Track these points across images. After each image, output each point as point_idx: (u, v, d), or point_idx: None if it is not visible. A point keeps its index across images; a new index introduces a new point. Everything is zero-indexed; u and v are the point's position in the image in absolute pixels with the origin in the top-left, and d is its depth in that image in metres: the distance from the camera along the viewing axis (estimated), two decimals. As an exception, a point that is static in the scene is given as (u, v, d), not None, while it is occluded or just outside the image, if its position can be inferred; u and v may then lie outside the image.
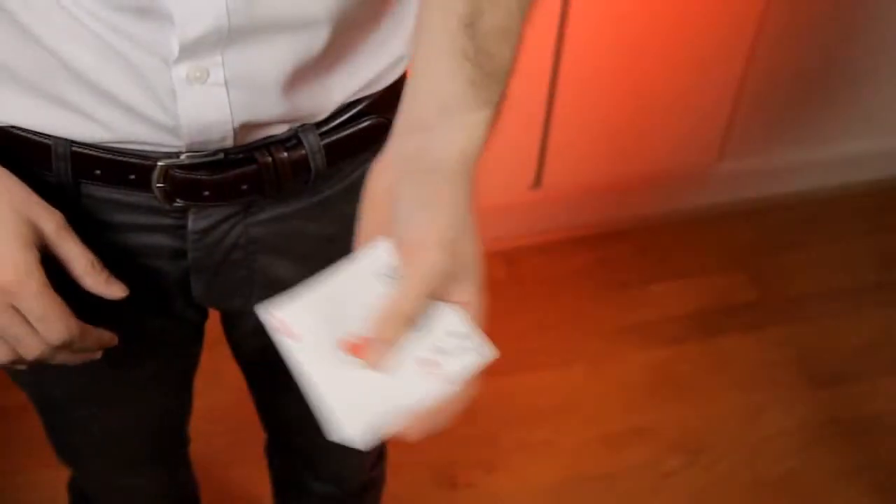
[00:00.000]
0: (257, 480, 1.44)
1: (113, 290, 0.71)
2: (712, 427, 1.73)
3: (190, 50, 0.63)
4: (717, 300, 1.95)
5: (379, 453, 1.20)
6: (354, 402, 0.60)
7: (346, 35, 0.70)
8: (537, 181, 1.95)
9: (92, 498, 1.13)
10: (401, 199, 0.62)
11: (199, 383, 1.03)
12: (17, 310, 0.66)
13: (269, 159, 0.72)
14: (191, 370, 1.00)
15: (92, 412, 0.92)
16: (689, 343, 1.87)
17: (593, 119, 1.89)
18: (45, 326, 0.67)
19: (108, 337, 0.74)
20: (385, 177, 0.63)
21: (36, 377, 0.87)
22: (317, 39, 0.67)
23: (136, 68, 0.64)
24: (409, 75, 0.66)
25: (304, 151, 0.73)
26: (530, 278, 1.98)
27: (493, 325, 0.58)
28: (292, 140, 0.73)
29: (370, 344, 0.61)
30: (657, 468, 1.67)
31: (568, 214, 2.03)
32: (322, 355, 0.61)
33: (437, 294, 0.61)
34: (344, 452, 1.14)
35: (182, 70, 0.64)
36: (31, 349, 0.68)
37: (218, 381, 1.22)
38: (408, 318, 0.60)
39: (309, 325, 0.62)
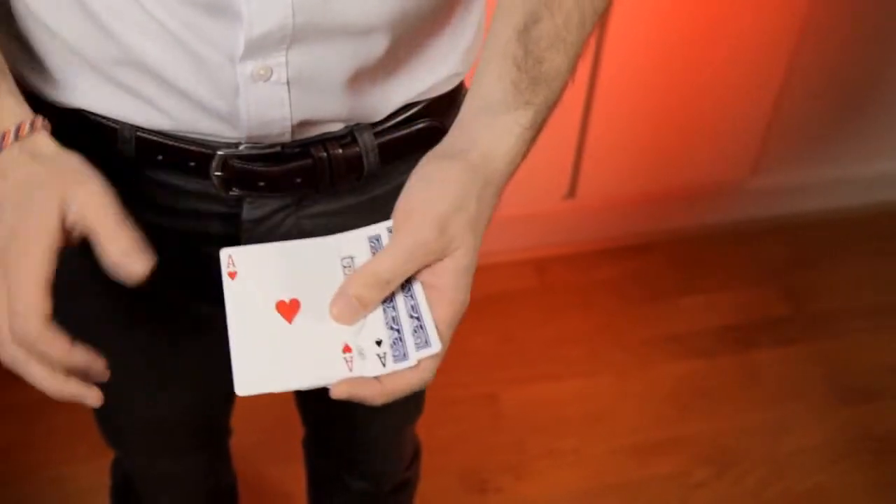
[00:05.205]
0: (289, 477, 1.46)
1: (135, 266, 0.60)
2: (741, 440, 1.74)
3: (255, 48, 0.65)
4: (747, 315, 1.96)
5: (415, 453, 1.22)
6: (259, 361, 0.60)
7: (404, 45, 0.72)
8: (571, 191, 1.97)
9: (135, 479, 1.15)
10: (414, 176, 0.64)
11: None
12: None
13: (324, 155, 0.74)
14: None
15: (139, 396, 0.94)
16: (718, 356, 1.87)
17: (628, 131, 1.90)
18: (15, 305, 0.58)
19: (98, 366, 0.62)
20: (417, 168, 0.66)
21: None
22: (376, 46, 0.69)
23: (203, 63, 0.66)
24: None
25: (358, 149, 0.75)
26: (561, 288, 1.99)
27: (523, 333, 0.58)
28: (347, 137, 0.75)
29: (339, 293, 0.61)
30: (685, 480, 1.67)
31: (601, 225, 2.04)
32: (252, 306, 0.62)
33: (418, 269, 0.61)
34: (384, 451, 1.16)
35: (247, 68, 0.66)
36: None
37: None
38: (381, 281, 0.61)
39: (253, 272, 0.63)
